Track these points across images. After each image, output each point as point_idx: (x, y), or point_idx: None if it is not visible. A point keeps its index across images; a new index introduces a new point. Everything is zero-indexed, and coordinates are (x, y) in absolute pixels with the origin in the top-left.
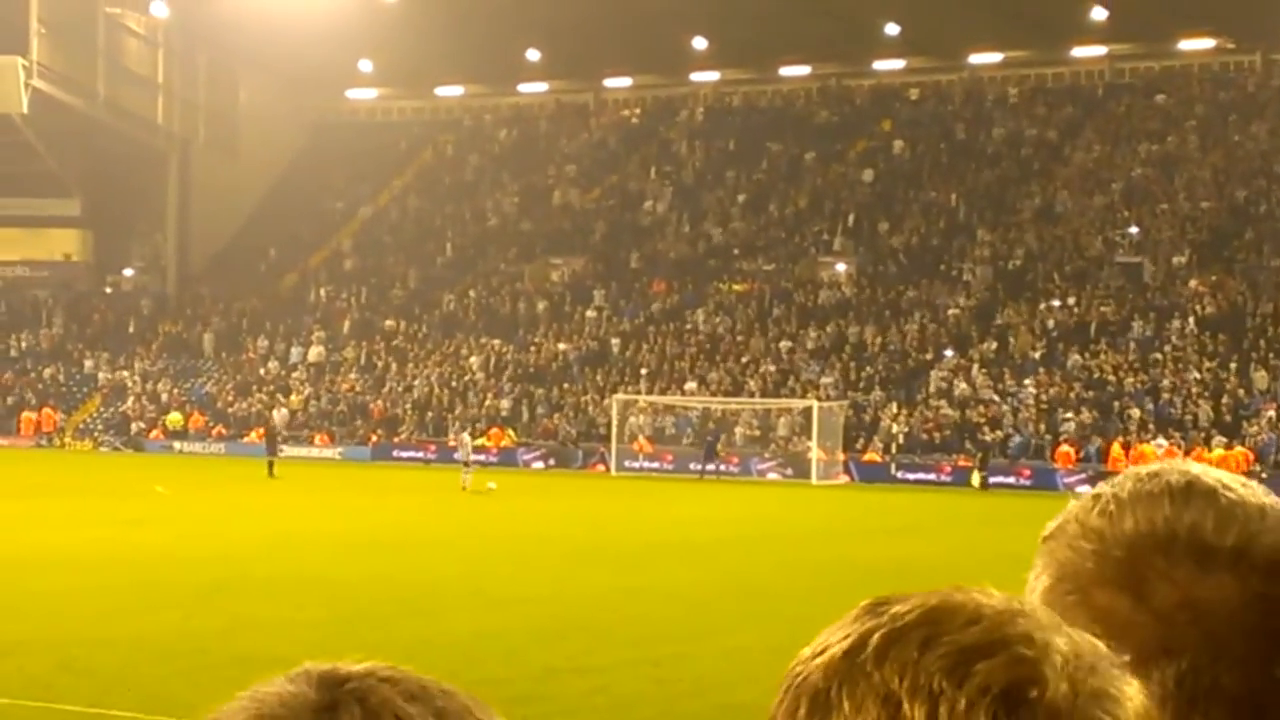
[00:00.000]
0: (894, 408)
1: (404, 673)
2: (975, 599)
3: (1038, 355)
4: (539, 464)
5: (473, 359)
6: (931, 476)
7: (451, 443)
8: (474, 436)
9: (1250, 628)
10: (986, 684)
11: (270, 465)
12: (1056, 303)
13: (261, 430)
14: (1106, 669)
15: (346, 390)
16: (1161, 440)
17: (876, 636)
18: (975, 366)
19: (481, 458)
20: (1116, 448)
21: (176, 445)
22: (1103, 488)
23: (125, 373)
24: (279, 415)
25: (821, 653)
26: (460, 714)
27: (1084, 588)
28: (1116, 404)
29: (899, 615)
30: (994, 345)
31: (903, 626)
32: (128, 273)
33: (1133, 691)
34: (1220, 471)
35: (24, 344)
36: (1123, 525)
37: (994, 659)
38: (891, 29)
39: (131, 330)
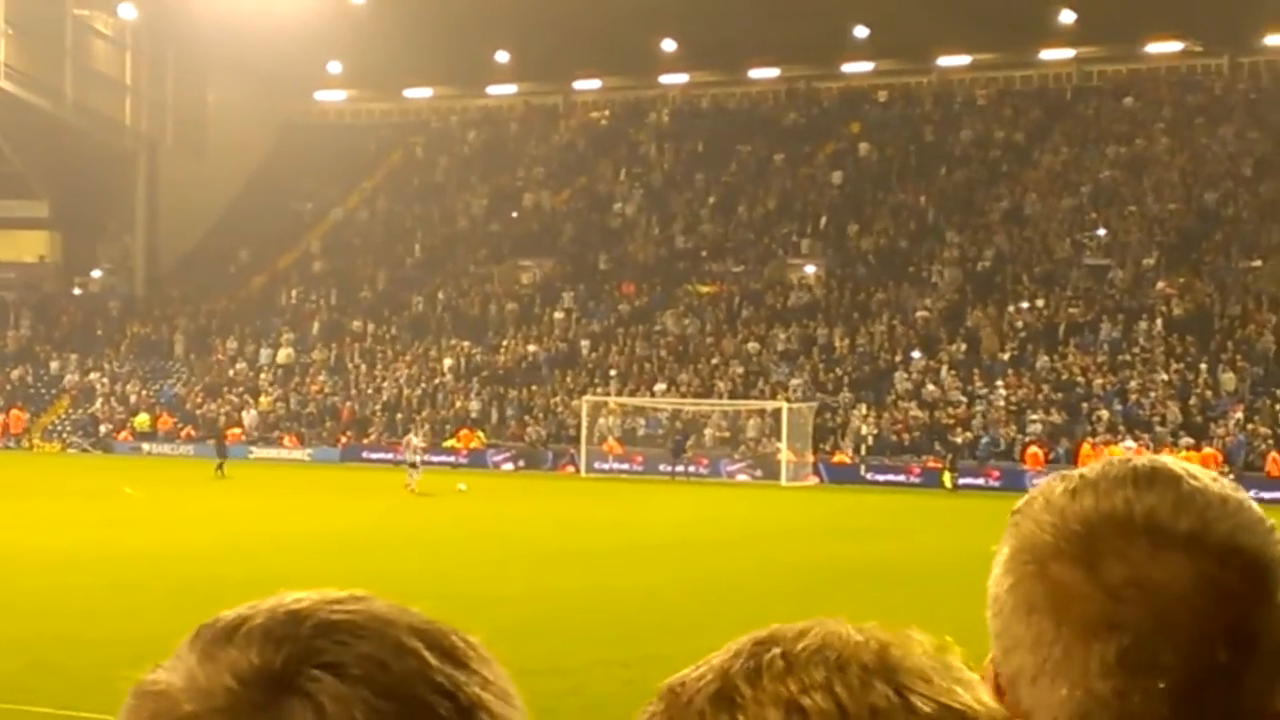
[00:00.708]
0: (863, 409)
1: (359, 625)
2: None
3: (1006, 357)
4: (509, 465)
5: (443, 361)
6: (901, 478)
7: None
8: (427, 438)
9: (1198, 610)
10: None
11: (219, 465)
12: (1025, 304)
13: (236, 431)
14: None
15: (315, 392)
16: (1130, 441)
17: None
18: (944, 368)
19: (450, 459)
20: (1086, 448)
21: (145, 447)
22: (1074, 471)
23: (94, 374)
24: (248, 416)
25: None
26: (427, 692)
27: (1040, 559)
28: (1085, 405)
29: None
30: (963, 347)
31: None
32: (96, 274)
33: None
34: (1194, 465)
35: None
36: (1083, 503)
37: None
38: (860, 31)
39: (100, 332)
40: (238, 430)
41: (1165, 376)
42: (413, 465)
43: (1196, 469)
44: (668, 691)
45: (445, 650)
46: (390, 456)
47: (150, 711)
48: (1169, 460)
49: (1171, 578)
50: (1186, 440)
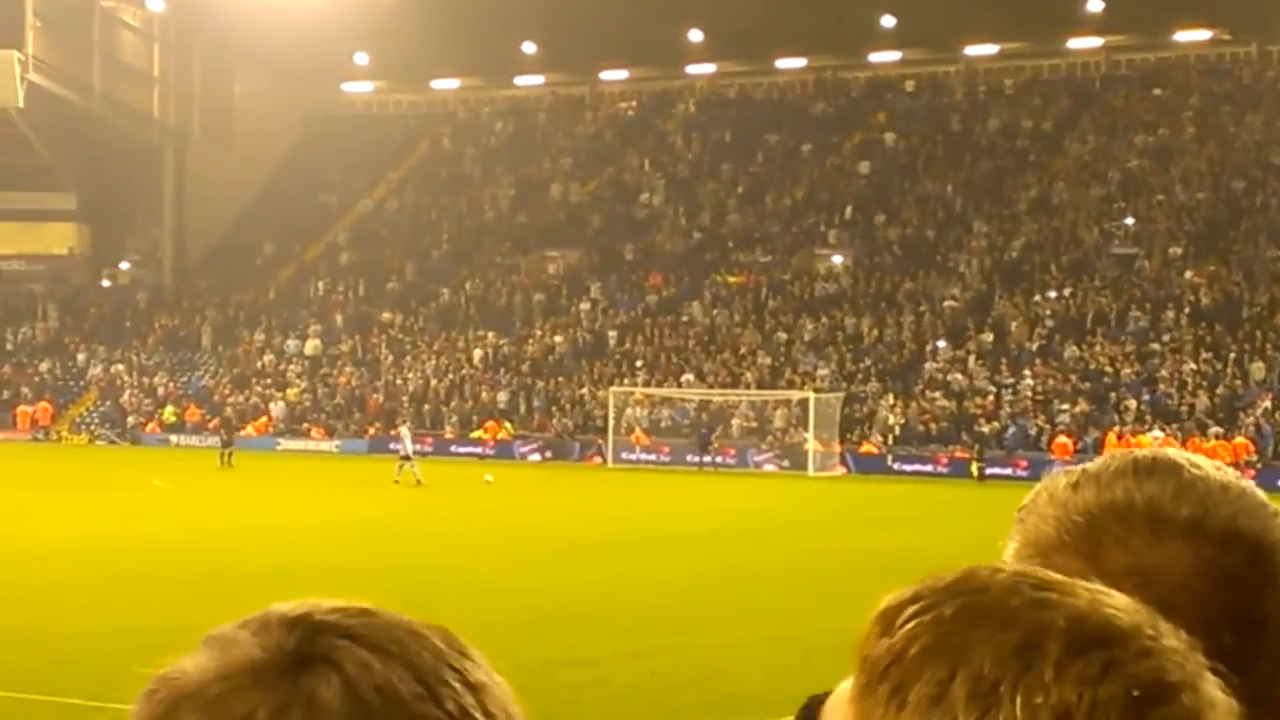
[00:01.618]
0: (890, 399)
1: (373, 618)
2: (1139, 624)
3: (1034, 347)
4: (536, 456)
5: (470, 352)
6: (928, 468)
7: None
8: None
9: (1201, 595)
10: None
11: (223, 456)
12: (1053, 294)
13: (262, 421)
14: None
15: (343, 383)
16: (1158, 431)
17: (1056, 645)
18: (971, 358)
19: (478, 450)
20: (1112, 438)
21: (173, 438)
22: (1077, 465)
23: (121, 366)
24: (275, 408)
25: (976, 623)
26: (435, 667)
27: (1045, 552)
28: (1113, 395)
29: (1075, 621)
30: (990, 336)
31: (1083, 639)
32: (124, 266)
33: None
34: (1198, 456)
35: (20, 338)
36: (1084, 495)
37: (1167, 706)
38: (887, 21)
39: (128, 324)
40: (263, 420)
41: (1193, 366)
42: (405, 457)
43: (1199, 458)
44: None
45: (451, 641)
46: (418, 447)
47: (169, 689)
48: (1170, 451)
49: (1173, 564)
50: (1215, 430)
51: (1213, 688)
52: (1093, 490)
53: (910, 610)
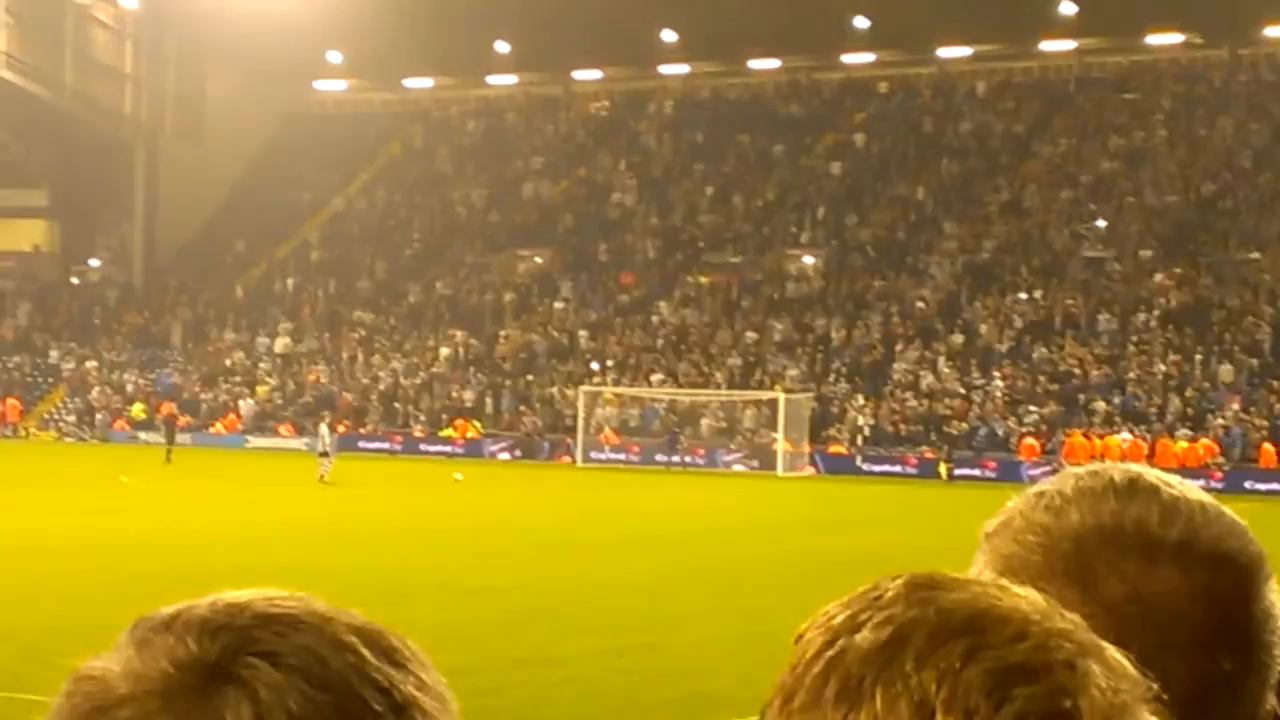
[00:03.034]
0: (860, 400)
1: (291, 620)
2: (1022, 609)
3: (1004, 348)
4: (505, 455)
5: (440, 350)
6: (897, 468)
7: (420, 433)
8: (332, 428)
9: (1196, 619)
10: (1024, 712)
11: (168, 452)
12: (1023, 296)
13: (234, 419)
14: (1136, 704)
15: (312, 381)
16: (1126, 434)
17: (920, 635)
18: (942, 359)
19: (447, 449)
20: (1079, 438)
21: (142, 435)
22: (1044, 485)
23: (91, 363)
24: (245, 406)
25: (857, 628)
26: (357, 686)
27: (1032, 580)
28: (1082, 397)
29: (945, 613)
30: (960, 338)
31: (948, 629)
32: (94, 263)
33: None
34: (1155, 470)
35: None
36: (1069, 519)
37: (1035, 685)
38: (861, 22)
39: (97, 321)
40: (233, 418)
41: (1163, 368)
42: (323, 454)
43: (1164, 474)
44: None
45: (383, 649)
46: (387, 446)
47: (84, 696)
48: (1136, 467)
49: (1169, 590)
50: (1183, 431)
51: (1101, 666)
52: (1077, 514)
53: (811, 627)
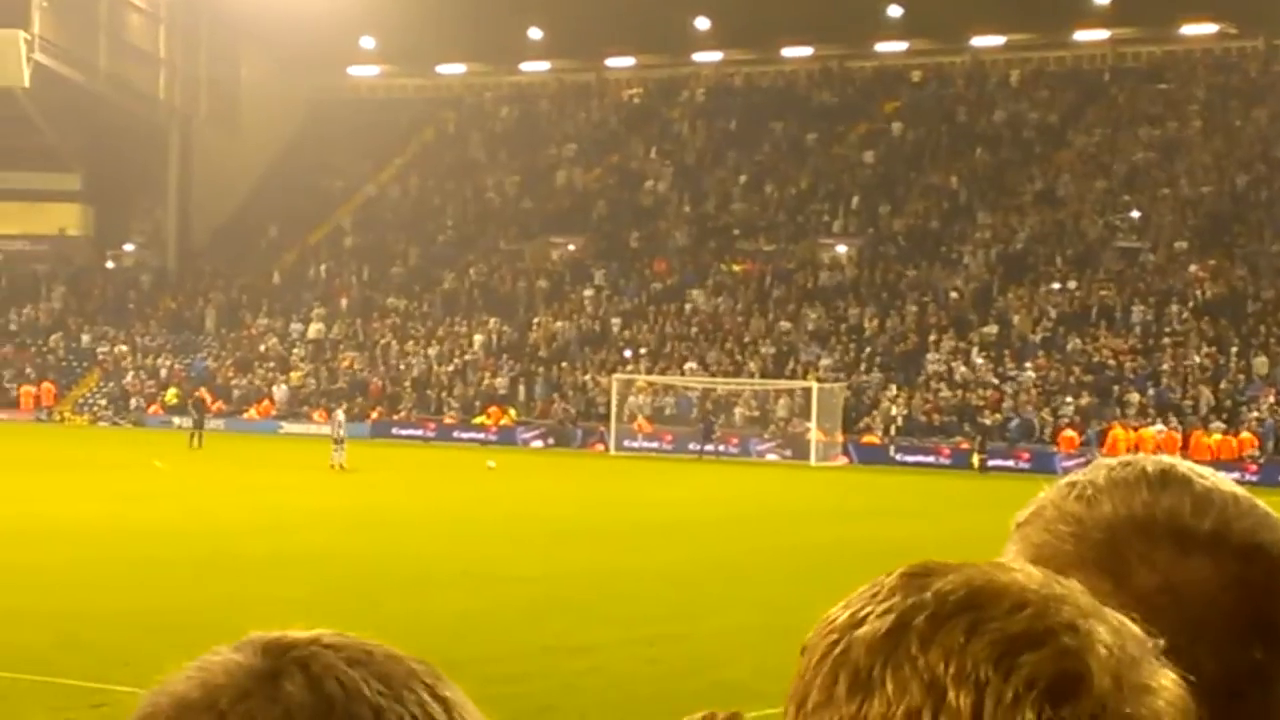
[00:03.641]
0: (893, 390)
1: (349, 639)
2: (1018, 581)
3: (1038, 339)
4: (538, 443)
5: (473, 337)
6: (930, 459)
7: (450, 419)
8: (342, 412)
9: (1228, 610)
10: (1033, 677)
11: (193, 436)
12: (1057, 286)
13: (267, 405)
14: (1147, 661)
15: (346, 368)
16: (1160, 425)
17: (921, 618)
18: (975, 349)
19: (480, 436)
20: (1118, 430)
21: (175, 420)
22: (1076, 476)
23: (124, 348)
24: (279, 391)
25: (860, 623)
26: (405, 679)
27: (1063, 570)
28: (1116, 388)
29: (943, 595)
30: (994, 328)
31: (948, 608)
32: (128, 248)
33: (1169, 683)
34: (1187, 461)
35: (23, 318)
36: (1101, 509)
37: (1041, 650)
38: (894, 11)
39: (131, 305)
40: (266, 403)
41: (1197, 360)
42: (337, 441)
43: (1197, 466)
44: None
45: (431, 669)
46: (420, 433)
47: (154, 706)
48: (1168, 458)
49: (1201, 580)
50: (1217, 424)
51: (1104, 625)
52: (1109, 505)
53: (815, 634)
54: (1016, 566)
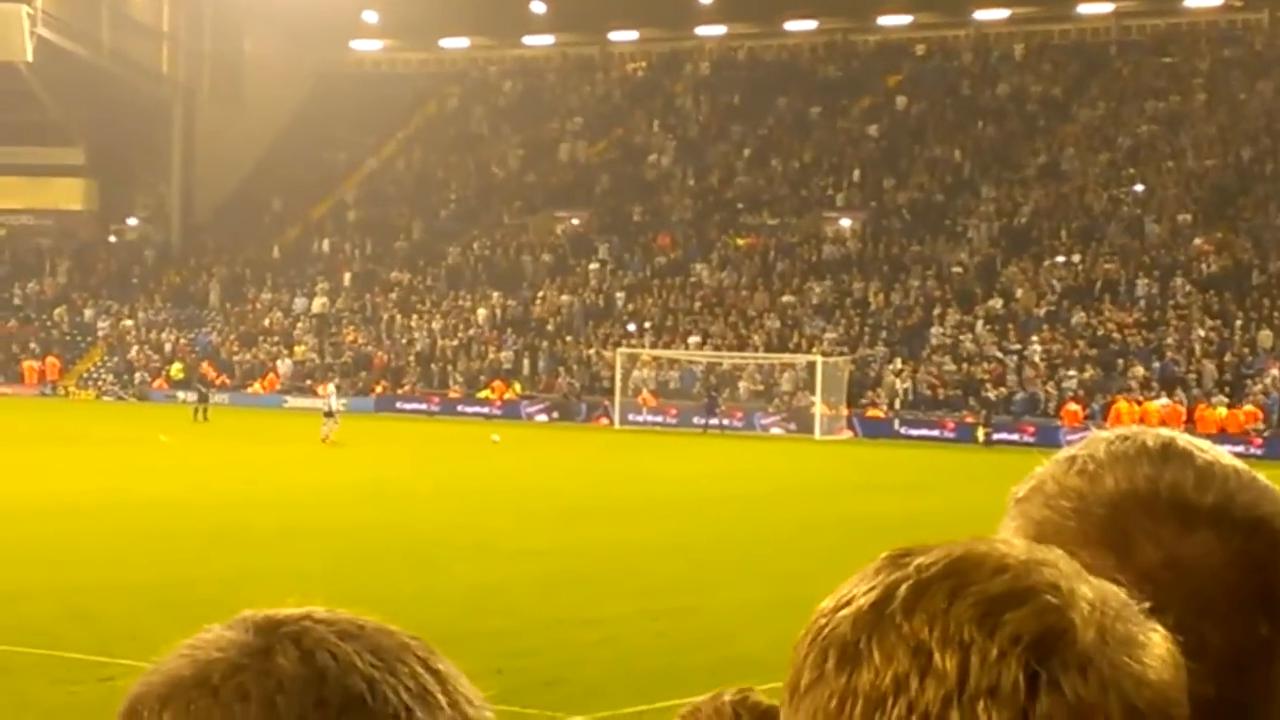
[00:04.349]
0: (898, 363)
1: (340, 614)
2: (998, 549)
3: (1042, 313)
4: (542, 417)
5: (477, 311)
6: (935, 432)
7: (466, 393)
8: (339, 390)
9: (1232, 585)
10: (1017, 633)
11: (197, 411)
12: (1061, 259)
13: (272, 379)
14: (1132, 615)
15: (350, 342)
16: (1165, 399)
17: (904, 588)
18: (979, 323)
19: (484, 410)
20: (1123, 404)
21: (180, 395)
22: (1075, 450)
23: (129, 322)
24: (283, 366)
25: (847, 604)
26: (398, 652)
27: (1066, 546)
28: (1120, 362)
29: (924, 566)
30: (999, 302)
31: (929, 577)
32: (132, 222)
33: (1158, 637)
34: (1187, 435)
35: (28, 292)
36: (1104, 484)
37: (1023, 608)
38: None
39: (135, 280)
40: (270, 378)
41: (1201, 333)
42: (329, 414)
43: (1196, 440)
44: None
45: (425, 645)
46: (425, 407)
47: (146, 685)
48: (1169, 432)
49: (1205, 555)
50: (1220, 398)
51: (1086, 585)
52: (1111, 480)
53: (807, 629)
54: (997, 539)
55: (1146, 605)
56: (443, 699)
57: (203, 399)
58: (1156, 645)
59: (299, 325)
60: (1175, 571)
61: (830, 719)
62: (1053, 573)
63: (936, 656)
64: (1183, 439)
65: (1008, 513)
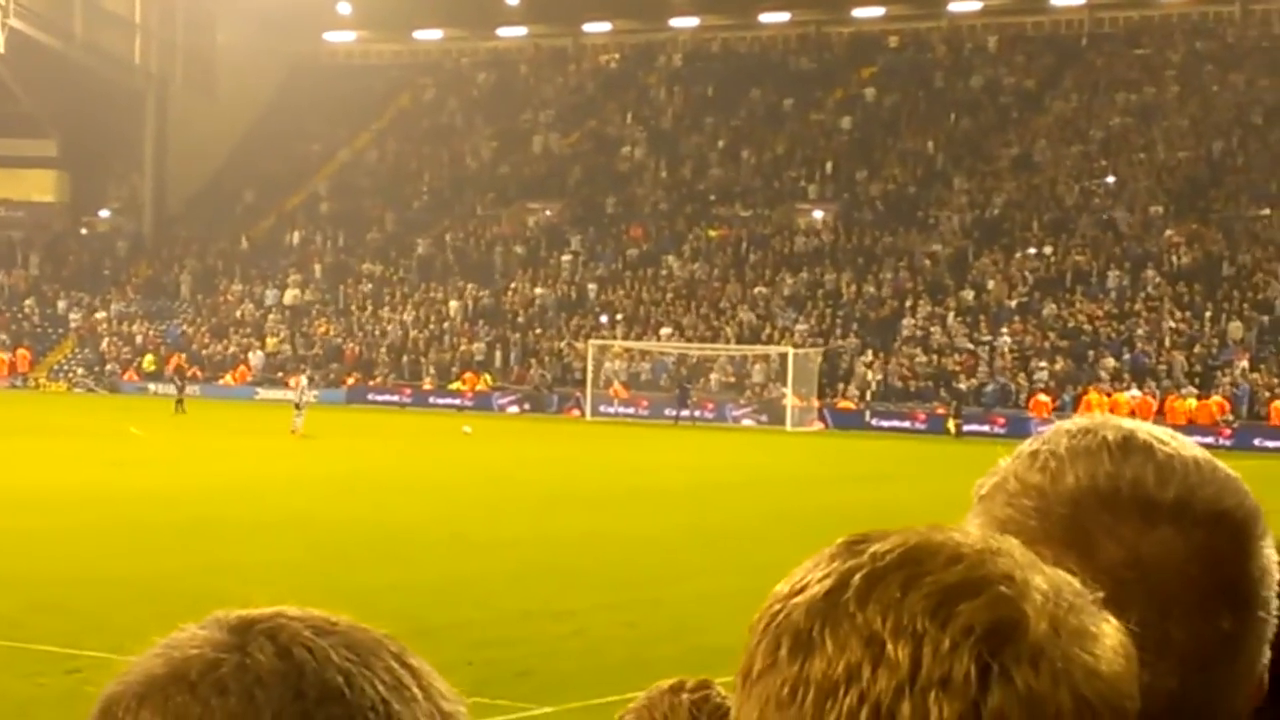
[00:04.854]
0: (869, 355)
1: (313, 612)
2: (954, 538)
3: (1013, 304)
4: (514, 409)
5: (449, 303)
6: (906, 424)
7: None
8: (312, 382)
9: (1195, 581)
10: (970, 624)
11: (178, 403)
12: (1033, 251)
13: (243, 371)
14: (1085, 606)
15: (321, 334)
16: (1135, 390)
17: (858, 577)
18: (951, 315)
19: (456, 402)
20: (1093, 395)
21: (151, 387)
22: (1036, 444)
23: (100, 314)
24: (254, 358)
25: (800, 591)
26: (373, 647)
27: (1028, 544)
28: (1091, 353)
29: (879, 555)
30: (970, 294)
31: (884, 566)
32: (104, 214)
33: (1110, 629)
34: (1150, 425)
35: None
36: (1064, 481)
37: (976, 599)
38: None
39: (107, 272)
40: (242, 370)
41: (1172, 325)
42: (297, 406)
43: (1157, 430)
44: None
45: (399, 644)
46: (396, 398)
47: (118, 686)
48: (1130, 423)
49: (1167, 551)
50: (1190, 390)
51: (1041, 576)
52: (1071, 475)
53: (762, 609)
54: (954, 528)
55: (1100, 595)
56: (418, 692)
57: (180, 391)
58: (1108, 636)
59: (271, 317)
60: (1138, 570)
61: (782, 707)
62: (1007, 563)
63: (889, 647)
64: (1143, 431)
65: (972, 509)
